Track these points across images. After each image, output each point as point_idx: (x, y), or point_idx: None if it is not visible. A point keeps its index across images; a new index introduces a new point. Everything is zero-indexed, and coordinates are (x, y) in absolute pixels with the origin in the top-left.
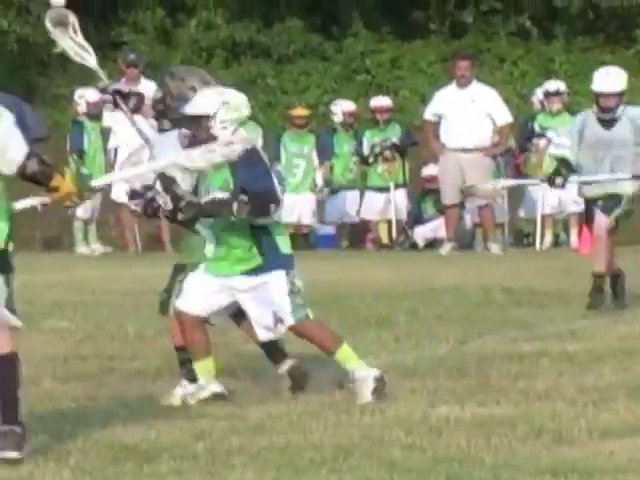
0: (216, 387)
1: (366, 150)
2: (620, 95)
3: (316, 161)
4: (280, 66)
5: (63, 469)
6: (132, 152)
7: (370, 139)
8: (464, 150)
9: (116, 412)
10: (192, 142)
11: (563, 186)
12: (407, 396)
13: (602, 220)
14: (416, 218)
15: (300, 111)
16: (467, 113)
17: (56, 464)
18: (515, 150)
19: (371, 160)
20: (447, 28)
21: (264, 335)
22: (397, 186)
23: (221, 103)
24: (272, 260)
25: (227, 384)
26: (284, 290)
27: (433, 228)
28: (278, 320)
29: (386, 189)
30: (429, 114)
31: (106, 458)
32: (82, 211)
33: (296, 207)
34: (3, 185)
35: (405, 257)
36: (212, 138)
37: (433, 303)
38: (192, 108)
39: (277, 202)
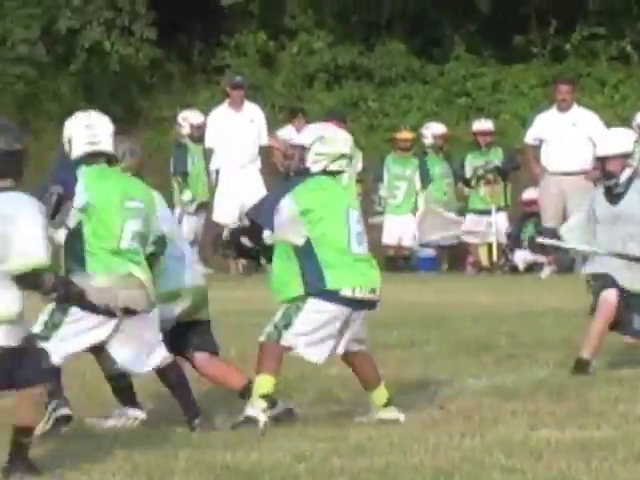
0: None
1: (468, 173)
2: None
3: (418, 184)
4: (382, 89)
5: None
6: None
7: (472, 162)
8: (565, 174)
9: (218, 432)
10: (286, 169)
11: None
12: (507, 419)
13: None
14: (516, 241)
15: (405, 134)
16: (568, 137)
17: None
18: None
19: (473, 183)
20: (548, 52)
21: None
22: (498, 209)
23: (318, 137)
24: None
25: (328, 407)
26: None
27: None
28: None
29: (487, 212)
30: (530, 138)
31: (208, 478)
32: (186, 232)
33: (397, 229)
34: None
35: (505, 280)
36: (304, 169)
37: (533, 326)
38: (299, 139)
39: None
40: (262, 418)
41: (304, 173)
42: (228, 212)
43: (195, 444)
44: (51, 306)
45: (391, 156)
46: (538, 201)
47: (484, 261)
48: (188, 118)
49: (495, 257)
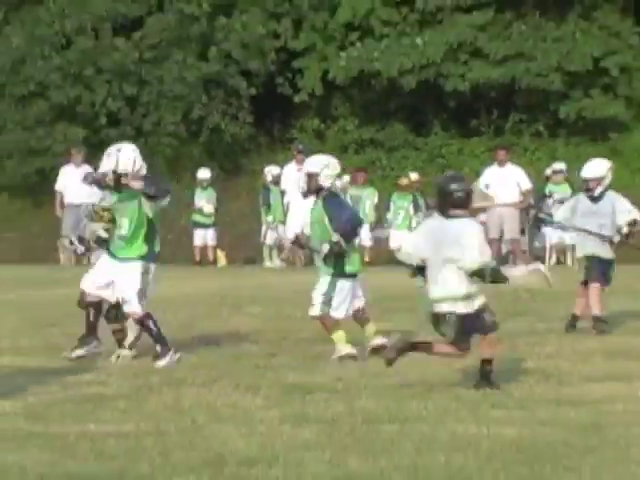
0: (349, 349)
1: None
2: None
3: (412, 211)
4: (389, 153)
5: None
6: None
7: None
8: (502, 205)
9: (294, 360)
10: (305, 191)
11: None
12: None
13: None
14: None
15: (404, 181)
16: (504, 182)
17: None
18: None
19: None
20: (492, 130)
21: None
22: None
23: (324, 165)
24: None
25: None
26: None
27: None
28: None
29: None
30: (481, 183)
31: (281, 392)
32: (269, 239)
33: (398, 239)
34: None
35: None
36: (320, 188)
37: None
38: (306, 167)
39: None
40: (352, 351)
41: (319, 190)
42: (295, 228)
43: (275, 369)
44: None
45: (395, 194)
46: (486, 222)
47: None
48: (271, 171)
49: None
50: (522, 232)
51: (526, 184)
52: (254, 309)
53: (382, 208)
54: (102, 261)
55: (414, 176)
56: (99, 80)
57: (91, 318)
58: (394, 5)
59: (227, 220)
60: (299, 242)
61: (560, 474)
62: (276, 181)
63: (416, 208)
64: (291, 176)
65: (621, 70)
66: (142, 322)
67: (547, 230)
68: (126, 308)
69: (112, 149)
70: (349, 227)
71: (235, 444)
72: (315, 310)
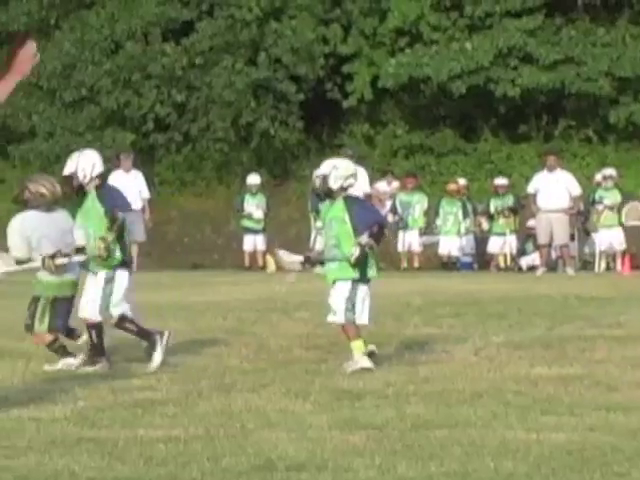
0: (366, 363)
1: (492, 210)
2: None
3: (461, 217)
4: (439, 159)
5: (306, 404)
6: None
7: (494, 203)
8: (551, 211)
9: (342, 373)
10: (317, 194)
11: None
12: (516, 361)
13: None
14: (522, 252)
15: (453, 186)
16: (553, 188)
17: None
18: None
19: (495, 216)
20: (542, 136)
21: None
22: (510, 232)
23: (332, 167)
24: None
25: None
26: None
27: (533, 258)
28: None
29: (504, 234)
30: (531, 189)
31: (332, 398)
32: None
33: (447, 245)
34: None
35: (515, 276)
36: (329, 190)
37: (531, 304)
38: (318, 171)
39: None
40: (369, 364)
41: (329, 192)
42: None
43: (325, 374)
44: None
45: (444, 200)
46: (535, 228)
47: (502, 264)
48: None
49: (509, 262)
50: (572, 238)
51: (576, 190)
52: (304, 314)
53: (431, 214)
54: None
55: (462, 182)
56: (148, 85)
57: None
58: (444, 10)
59: (276, 225)
60: (311, 261)
61: (609, 478)
62: None
63: (465, 213)
64: None
65: None
66: (88, 327)
67: (597, 236)
68: (80, 313)
69: (75, 153)
70: (377, 228)
71: (284, 449)
72: (339, 317)
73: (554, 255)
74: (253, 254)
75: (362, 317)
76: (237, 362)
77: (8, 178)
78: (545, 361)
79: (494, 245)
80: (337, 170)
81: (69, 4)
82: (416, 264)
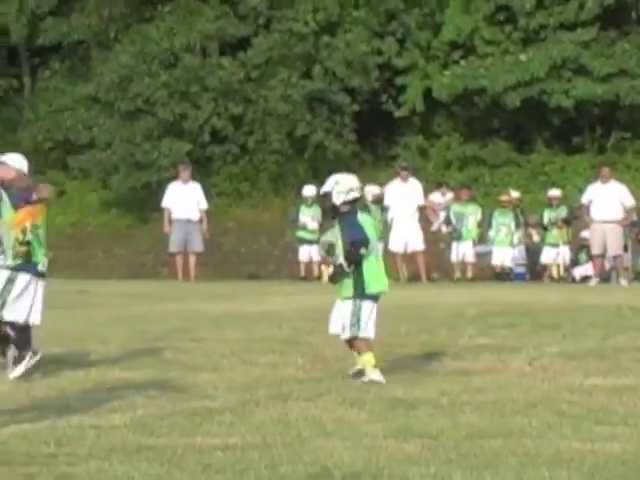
0: (376, 376)
1: (545, 221)
2: None
3: (513, 227)
4: (492, 170)
5: (360, 413)
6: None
7: (548, 214)
8: (605, 222)
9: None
10: (325, 210)
11: None
12: (570, 371)
13: None
14: (575, 263)
15: (506, 197)
16: (607, 199)
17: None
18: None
19: (548, 227)
20: (595, 148)
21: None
22: (564, 243)
23: (334, 183)
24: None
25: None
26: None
27: (587, 269)
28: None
29: (557, 245)
30: (585, 199)
31: (386, 407)
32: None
33: (501, 256)
34: None
35: (568, 287)
36: (334, 206)
37: (585, 314)
38: (322, 188)
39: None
40: (379, 378)
41: (334, 208)
42: (398, 243)
43: (379, 383)
44: None
45: (497, 211)
46: (589, 238)
47: (555, 275)
48: (371, 190)
49: (562, 272)
50: (625, 249)
51: (629, 201)
52: None
53: (484, 225)
54: None
55: (515, 194)
56: (205, 98)
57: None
58: (497, 24)
59: None
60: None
61: None
62: (376, 200)
63: (517, 225)
64: (395, 192)
65: None
66: None
67: None
68: None
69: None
70: (351, 249)
71: (340, 457)
72: (345, 333)
73: (607, 266)
74: (309, 264)
75: (367, 331)
76: (293, 371)
77: (69, 190)
78: (599, 371)
79: (547, 256)
80: (338, 185)
81: (129, 18)
82: (469, 274)
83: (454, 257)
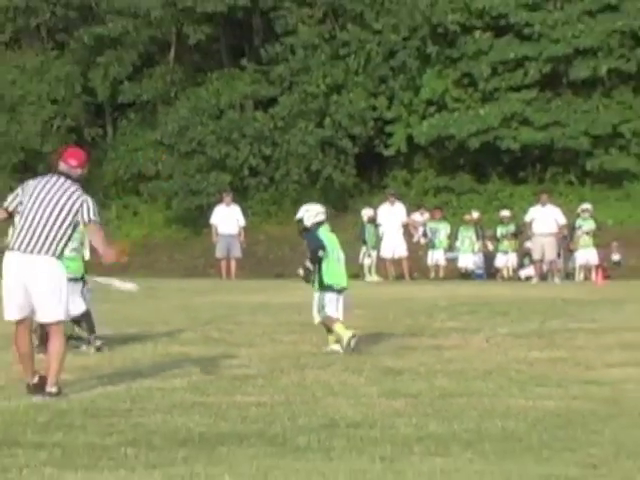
0: (336, 347)
1: (498, 234)
2: None
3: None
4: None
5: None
6: None
7: (500, 230)
8: (543, 235)
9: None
10: (300, 234)
11: None
12: (516, 347)
13: None
14: (520, 266)
15: (469, 217)
16: (545, 218)
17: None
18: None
19: (500, 239)
20: (536, 179)
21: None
22: (512, 251)
23: (305, 210)
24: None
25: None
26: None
27: (529, 271)
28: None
29: (507, 252)
30: (527, 218)
31: (380, 378)
32: (367, 261)
33: (464, 261)
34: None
35: (515, 284)
36: (306, 227)
37: (528, 305)
38: (297, 215)
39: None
40: (338, 348)
41: (305, 229)
42: (388, 251)
43: (374, 355)
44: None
45: (462, 227)
46: (531, 248)
47: (506, 275)
48: (367, 213)
49: (511, 273)
50: (558, 255)
51: (562, 219)
52: (358, 311)
53: (452, 237)
54: None
55: (475, 214)
56: (243, 142)
57: None
58: (463, 86)
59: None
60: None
61: (588, 436)
62: (370, 220)
63: (477, 237)
64: (384, 213)
65: (633, 134)
66: None
67: (577, 254)
68: None
69: None
70: (312, 254)
71: (345, 412)
72: (316, 318)
73: (545, 268)
74: None
75: (331, 313)
76: (309, 347)
77: (140, 210)
78: (539, 347)
79: (500, 261)
80: (308, 212)
81: (185, 82)
82: (441, 275)
83: (430, 261)
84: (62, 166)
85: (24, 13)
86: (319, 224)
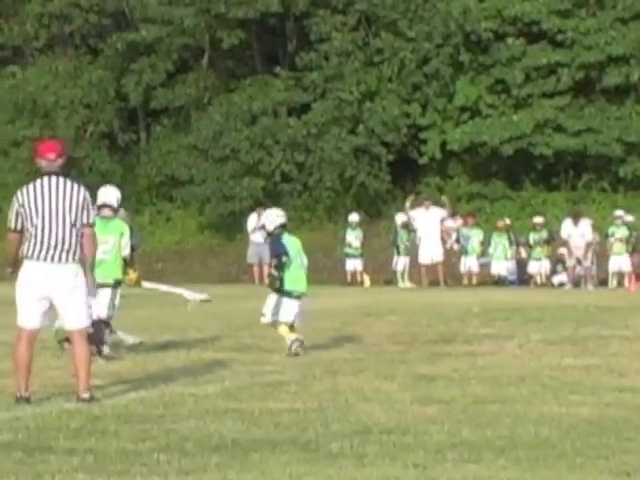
0: (293, 336)
1: (531, 241)
2: None
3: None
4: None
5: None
6: None
7: (533, 236)
8: (577, 247)
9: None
10: (265, 239)
11: None
12: (550, 352)
13: None
14: (553, 273)
15: (501, 223)
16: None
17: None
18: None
19: (533, 246)
20: (569, 186)
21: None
22: (545, 257)
23: (266, 217)
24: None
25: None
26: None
27: (562, 277)
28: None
29: (540, 259)
30: (564, 235)
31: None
32: (400, 267)
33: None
34: None
35: (548, 290)
36: (269, 232)
37: (561, 311)
38: (259, 222)
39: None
40: (297, 336)
41: (269, 233)
42: (426, 258)
43: (407, 362)
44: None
45: (495, 233)
46: (564, 254)
47: (539, 282)
48: (400, 218)
49: (544, 280)
50: (592, 262)
51: (589, 236)
52: (391, 317)
53: (485, 244)
54: None
55: (508, 220)
56: (276, 148)
57: None
58: (496, 93)
59: (370, 252)
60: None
61: (621, 443)
62: (403, 225)
63: (510, 244)
64: (420, 218)
65: None
66: None
67: (610, 261)
68: None
69: None
70: (276, 261)
71: (378, 418)
72: (267, 318)
73: (581, 273)
74: (353, 274)
75: (285, 317)
76: (341, 353)
77: (173, 217)
78: (572, 354)
79: (533, 267)
80: (268, 218)
81: (219, 88)
82: (474, 281)
83: (462, 268)
84: (43, 163)
85: (58, 20)
86: (282, 227)
